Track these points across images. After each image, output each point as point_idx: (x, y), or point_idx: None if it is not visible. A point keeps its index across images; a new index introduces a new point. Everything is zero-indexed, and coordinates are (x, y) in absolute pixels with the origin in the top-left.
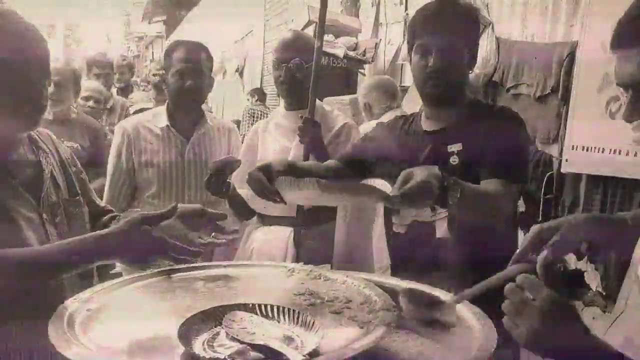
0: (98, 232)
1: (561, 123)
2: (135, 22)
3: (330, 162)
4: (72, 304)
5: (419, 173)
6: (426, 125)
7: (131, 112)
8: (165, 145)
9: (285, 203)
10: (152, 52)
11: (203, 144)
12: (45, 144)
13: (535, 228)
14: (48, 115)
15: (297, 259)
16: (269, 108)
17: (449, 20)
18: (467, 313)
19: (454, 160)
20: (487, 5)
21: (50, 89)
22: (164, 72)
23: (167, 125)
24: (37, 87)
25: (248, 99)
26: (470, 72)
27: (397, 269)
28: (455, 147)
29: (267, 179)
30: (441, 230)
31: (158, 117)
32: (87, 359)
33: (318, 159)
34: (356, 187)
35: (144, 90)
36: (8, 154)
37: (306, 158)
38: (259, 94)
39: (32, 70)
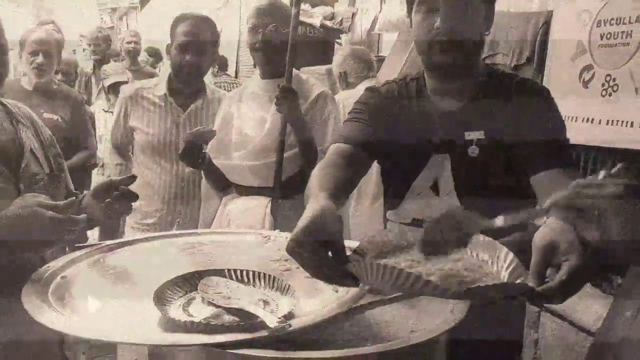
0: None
1: None
2: None
3: (343, 150)
4: (46, 271)
5: (571, 255)
6: (437, 100)
7: (105, 85)
8: (162, 113)
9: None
10: (127, 24)
11: (200, 115)
12: (24, 119)
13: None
14: (28, 86)
15: (274, 229)
16: (231, 76)
17: None
18: None
19: (472, 152)
20: None
21: (39, 59)
22: (136, 42)
23: (165, 94)
24: None
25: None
26: (487, 33)
27: None
28: (475, 135)
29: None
30: None
31: (159, 85)
32: (61, 325)
33: (295, 128)
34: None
35: (115, 61)
36: None
37: (283, 127)
38: (220, 62)
39: None
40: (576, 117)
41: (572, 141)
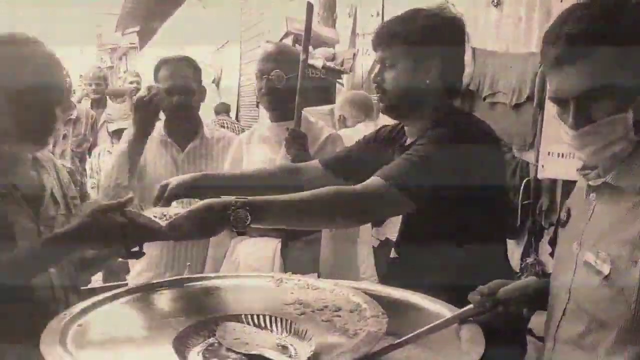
0: (67, 226)
1: (537, 130)
2: (107, 33)
3: (314, 162)
4: (62, 319)
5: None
6: (408, 140)
7: (109, 129)
8: (162, 153)
9: None
10: (126, 63)
11: (199, 154)
12: (47, 164)
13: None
14: None
15: (284, 270)
16: (231, 118)
17: (387, 34)
18: (464, 328)
19: None
20: (462, 16)
21: None
22: (137, 82)
23: (164, 135)
24: (52, 111)
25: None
26: (427, 82)
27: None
28: None
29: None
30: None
31: (156, 127)
32: None
33: None
34: None
35: (117, 102)
36: (15, 170)
37: None
38: (222, 107)
39: (50, 95)
40: (574, 154)
41: (573, 178)
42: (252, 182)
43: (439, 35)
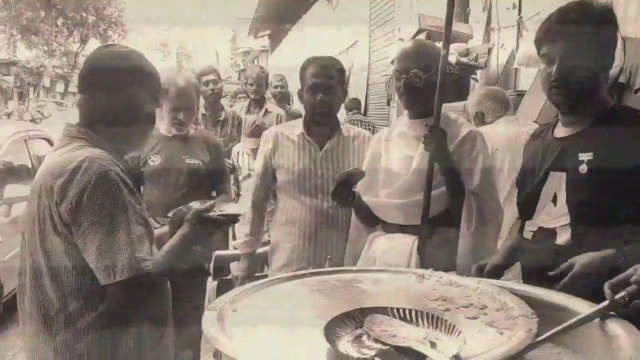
0: (179, 232)
1: None
2: (241, 37)
3: None
4: (219, 304)
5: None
6: (559, 132)
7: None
8: (300, 151)
9: None
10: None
11: (336, 152)
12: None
13: None
14: (167, 132)
15: (420, 267)
16: (363, 115)
17: (571, 27)
18: (612, 324)
19: (582, 169)
20: (612, 4)
21: (181, 116)
22: (282, 86)
23: (302, 133)
24: (152, 115)
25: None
26: (605, 74)
27: (525, 276)
28: (585, 156)
29: None
30: (562, 237)
31: (296, 125)
32: (241, 355)
33: (442, 167)
34: None
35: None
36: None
37: (431, 166)
38: (353, 103)
39: (150, 102)
40: None
41: None
42: None
43: (611, 25)
